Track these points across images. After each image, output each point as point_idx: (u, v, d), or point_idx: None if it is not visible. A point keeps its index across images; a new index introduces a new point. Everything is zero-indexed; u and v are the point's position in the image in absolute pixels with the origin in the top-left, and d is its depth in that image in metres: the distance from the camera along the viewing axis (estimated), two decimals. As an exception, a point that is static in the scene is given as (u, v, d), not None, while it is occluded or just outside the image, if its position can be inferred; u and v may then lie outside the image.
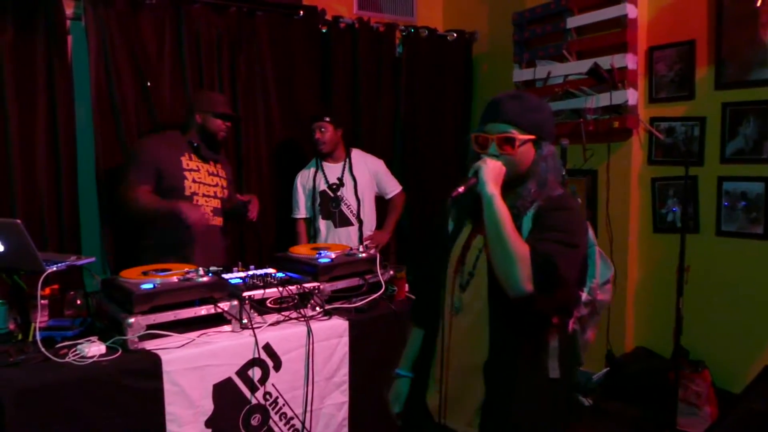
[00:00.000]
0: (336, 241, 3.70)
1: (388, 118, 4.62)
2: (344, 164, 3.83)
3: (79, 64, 3.51)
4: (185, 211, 2.90)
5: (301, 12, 4.16)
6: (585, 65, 3.80)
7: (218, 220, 3.31)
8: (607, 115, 3.79)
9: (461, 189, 1.63)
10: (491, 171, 1.62)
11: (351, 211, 3.80)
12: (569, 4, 4.00)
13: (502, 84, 4.57)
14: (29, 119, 3.29)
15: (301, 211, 3.88)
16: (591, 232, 1.81)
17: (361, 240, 3.78)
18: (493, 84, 4.89)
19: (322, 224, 3.80)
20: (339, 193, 3.78)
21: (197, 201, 3.17)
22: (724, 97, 3.49)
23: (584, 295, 1.80)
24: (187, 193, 3.15)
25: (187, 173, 3.16)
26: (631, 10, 3.70)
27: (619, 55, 3.70)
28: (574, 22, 3.98)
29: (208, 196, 3.24)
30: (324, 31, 4.34)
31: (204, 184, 3.22)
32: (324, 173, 3.81)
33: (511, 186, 1.66)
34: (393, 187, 3.97)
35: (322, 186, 3.79)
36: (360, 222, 3.80)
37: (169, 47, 3.66)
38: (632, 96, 3.72)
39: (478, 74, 5.09)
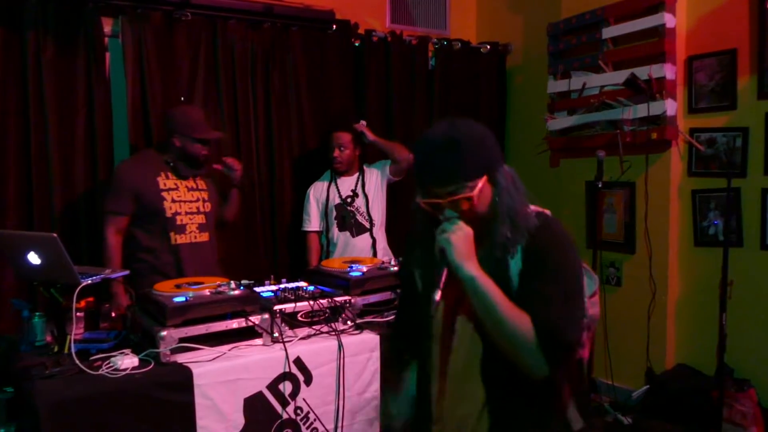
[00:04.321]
0: (353, 251, 3.72)
1: (421, 131, 4.59)
2: (358, 177, 3.85)
3: (117, 79, 3.59)
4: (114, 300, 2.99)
5: (334, 26, 4.18)
6: (621, 76, 3.73)
7: (205, 236, 3.25)
8: (644, 126, 3.71)
9: (438, 297, 1.42)
10: (459, 248, 1.41)
11: (365, 218, 3.81)
12: (605, 14, 3.94)
13: (537, 96, 4.53)
14: (68, 134, 3.37)
15: (314, 224, 3.88)
16: None
17: (374, 251, 3.77)
18: (528, 96, 4.85)
19: (339, 236, 3.80)
20: (354, 205, 3.80)
21: (180, 220, 3.15)
22: (767, 106, 3.39)
23: None
24: (169, 214, 3.11)
25: (165, 194, 3.11)
26: (669, 20, 3.62)
27: (656, 65, 3.63)
28: (610, 32, 3.92)
29: (192, 213, 3.19)
30: (357, 44, 4.36)
31: (185, 202, 3.17)
32: (337, 187, 3.82)
33: (482, 233, 1.47)
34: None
35: (336, 200, 3.80)
36: (373, 239, 3.80)
37: (204, 62, 3.73)
38: (671, 106, 3.63)
39: (513, 86, 5.05)
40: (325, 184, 3.87)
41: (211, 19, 3.73)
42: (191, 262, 3.12)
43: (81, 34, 3.36)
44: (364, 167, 3.91)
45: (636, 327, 3.88)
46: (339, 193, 3.82)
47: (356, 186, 3.84)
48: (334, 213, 3.80)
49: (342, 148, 3.76)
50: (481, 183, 1.45)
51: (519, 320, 1.38)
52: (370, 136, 3.83)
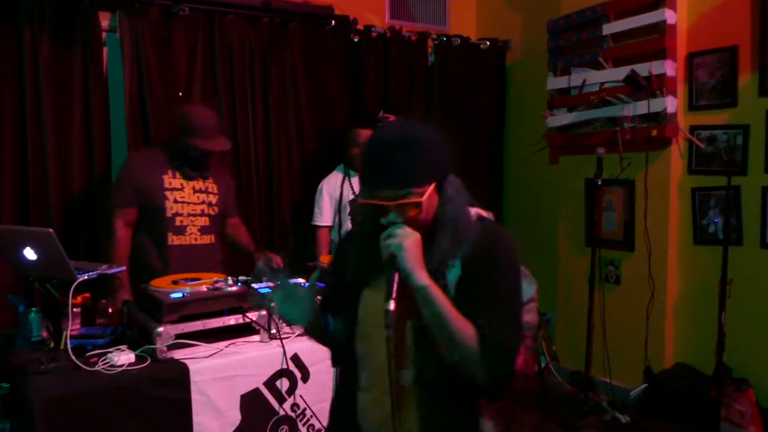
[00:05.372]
0: None
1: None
2: None
3: (114, 75, 3.57)
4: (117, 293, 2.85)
5: (333, 22, 4.16)
6: (622, 72, 3.71)
7: (207, 239, 3.16)
8: (644, 124, 3.69)
9: (392, 308, 1.30)
10: (412, 254, 1.33)
11: None
12: (605, 10, 3.92)
13: (536, 93, 4.51)
14: (66, 130, 3.35)
15: (326, 219, 3.82)
16: None
17: None
18: (527, 93, 4.83)
19: None
20: None
21: (180, 222, 3.07)
22: (768, 104, 3.38)
23: None
24: (169, 214, 3.03)
25: (168, 193, 3.03)
26: (669, 16, 3.60)
27: (657, 61, 3.61)
28: (610, 28, 3.90)
29: (194, 215, 3.11)
30: (356, 40, 4.34)
31: (188, 203, 3.08)
32: (350, 183, 3.79)
33: (423, 241, 1.39)
34: None
35: (350, 195, 3.77)
36: None
37: (201, 58, 3.71)
38: (671, 103, 3.61)
39: (512, 83, 5.03)
40: (339, 178, 3.79)
41: (208, 14, 3.71)
42: (182, 265, 2.99)
43: (78, 28, 3.34)
44: None
45: (635, 325, 3.87)
46: (352, 188, 3.78)
47: None
48: (348, 209, 3.77)
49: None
50: (430, 190, 1.39)
51: (465, 331, 1.34)
52: None
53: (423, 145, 1.38)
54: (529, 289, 1.57)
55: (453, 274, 1.41)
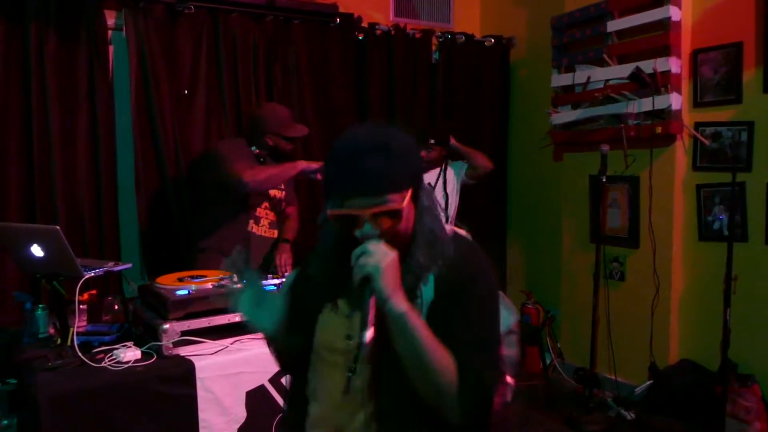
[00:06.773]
0: None
1: (424, 125, 4.59)
2: (439, 173, 3.95)
3: (120, 73, 3.58)
4: (305, 165, 3.06)
5: (338, 20, 4.17)
6: (626, 69, 3.71)
7: (274, 233, 3.34)
8: (649, 120, 3.69)
9: (369, 339, 1.13)
10: (389, 276, 1.16)
11: (441, 207, 3.88)
12: (610, 7, 3.91)
13: (540, 90, 4.51)
14: (71, 127, 3.36)
15: None
16: None
17: None
18: (532, 90, 4.82)
19: None
20: None
21: (258, 213, 3.25)
22: (773, 100, 3.36)
23: None
24: (252, 203, 3.21)
25: None
26: (674, 13, 3.59)
27: (662, 58, 3.60)
28: (614, 25, 3.89)
29: (267, 209, 3.29)
30: (360, 38, 4.34)
31: (265, 197, 3.26)
32: (445, 171, 3.98)
33: (399, 257, 1.22)
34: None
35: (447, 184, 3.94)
36: (446, 218, 3.91)
37: (206, 56, 3.71)
38: (676, 100, 3.61)
39: (516, 80, 5.03)
40: (435, 171, 3.96)
41: (213, 12, 3.72)
42: (258, 252, 3.23)
43: (83, 27, 3.35)
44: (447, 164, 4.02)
45: (639, 322, 3.87)
46: (444, 176, 3.95)
47: (437, 179, 3.94)
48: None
49: (429, 150, 3.85)
50: (408, 197, 1.24)
51: (444, 366, 1.20)
52: (452, 140, 3.98)
53: (397, 148, 1.23)
54: (507, 319, 1.42)
55: (426, 293, 1.26)
